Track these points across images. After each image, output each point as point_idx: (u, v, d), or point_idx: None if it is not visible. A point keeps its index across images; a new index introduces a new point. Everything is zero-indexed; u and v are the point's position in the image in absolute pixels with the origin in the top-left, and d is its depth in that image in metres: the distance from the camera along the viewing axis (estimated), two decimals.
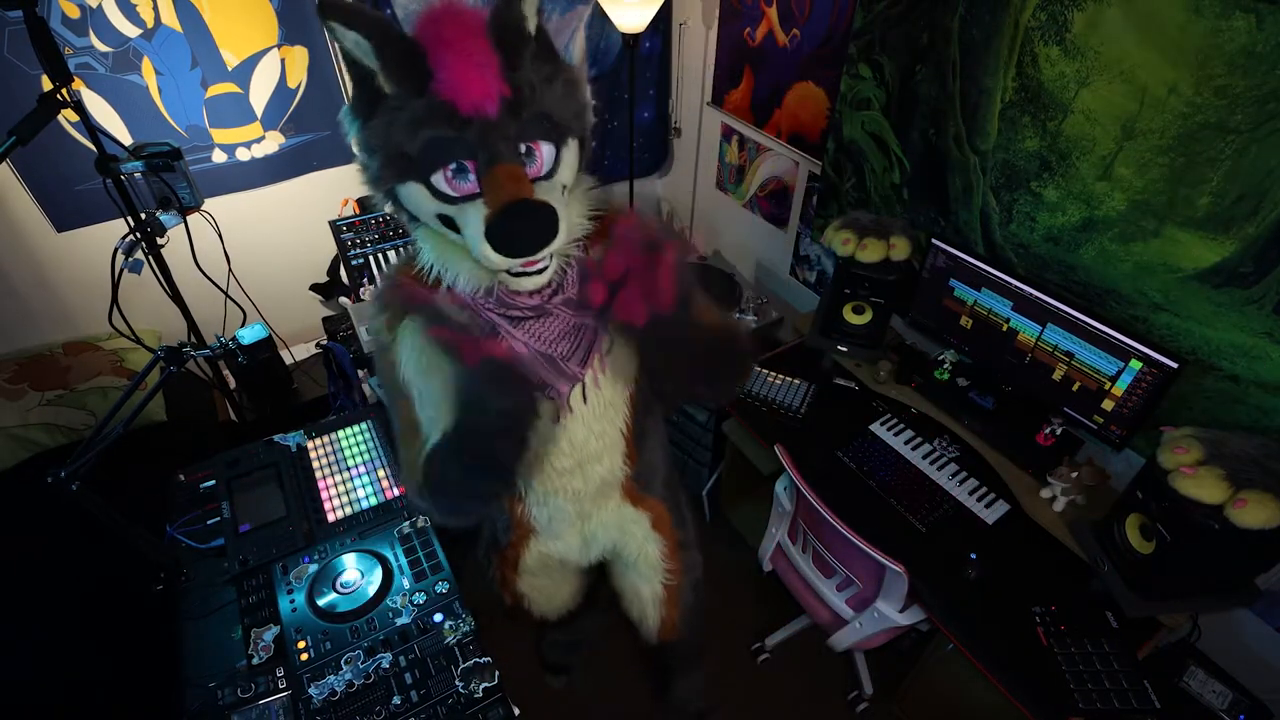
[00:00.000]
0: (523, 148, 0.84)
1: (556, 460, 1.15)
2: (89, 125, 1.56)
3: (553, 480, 1.18)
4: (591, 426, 1.13)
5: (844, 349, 2.03)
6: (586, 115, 0.93)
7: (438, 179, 0.84)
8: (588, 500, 1.26)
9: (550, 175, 0.88)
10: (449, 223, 0.88)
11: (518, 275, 0.91)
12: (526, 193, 0.82)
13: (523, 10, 0.80)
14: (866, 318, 1.97)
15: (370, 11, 0.77)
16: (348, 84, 2.27)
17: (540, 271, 0.92)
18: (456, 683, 1.25)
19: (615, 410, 1.16)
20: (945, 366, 1.93)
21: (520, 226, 0.82)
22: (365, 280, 2.26)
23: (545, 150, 0.86)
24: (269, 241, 2.41)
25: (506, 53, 0.79)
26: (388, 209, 0.96)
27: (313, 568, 1.42)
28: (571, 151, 0.91)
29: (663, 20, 2.60)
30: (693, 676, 1.88)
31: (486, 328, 1.00)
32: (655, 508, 1.39)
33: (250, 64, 2.09)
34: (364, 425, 1.75)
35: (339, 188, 2.42)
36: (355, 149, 0.90)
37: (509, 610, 1.58)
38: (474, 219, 0.84)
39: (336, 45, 0.80)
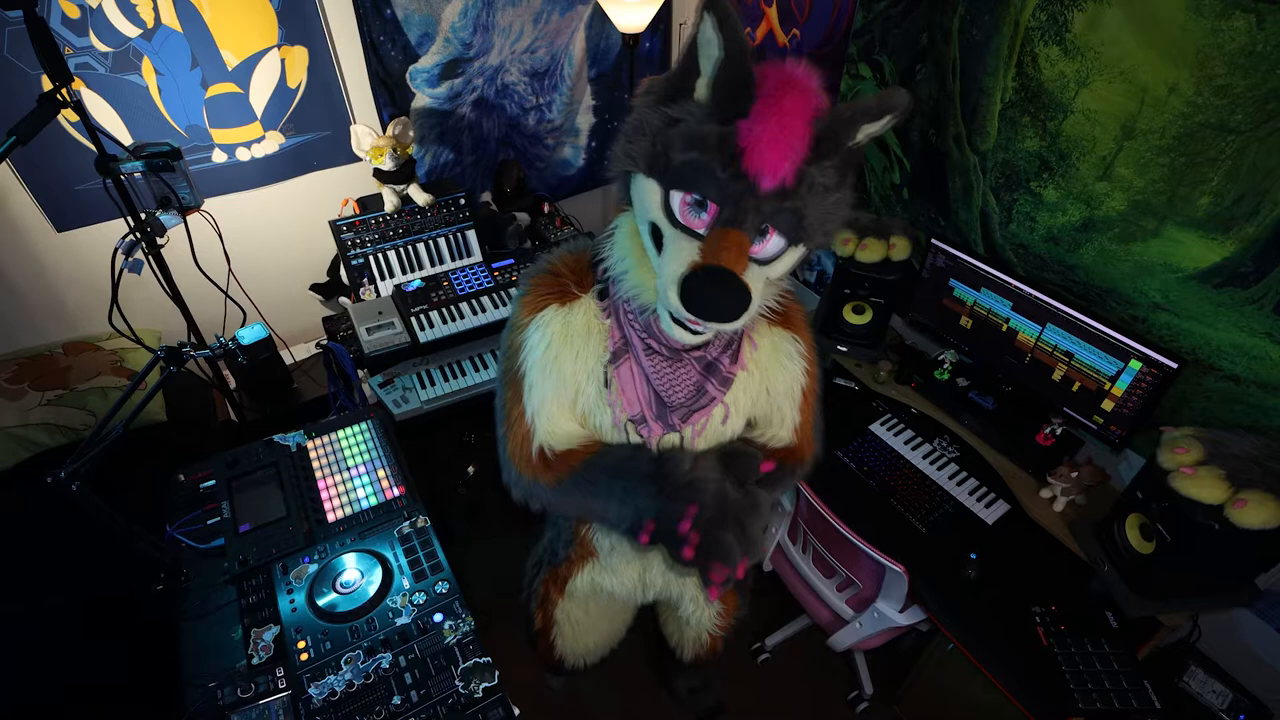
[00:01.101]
0: (765, 226, 0.83)
1: None
2: (89, 125, 1.56)
3: None
4: None
5: (844, 349, 2.03)
6: (833, 236, 0.92)
7: (676, 198, 0.83)
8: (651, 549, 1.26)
9: (766, 262, 0.87)
10: (656, 236, 0.88)
11: (679, 324, 0.91)
12: (739, 266, 0.81)
13: (854, 130, 0.81)
14: (866, 318, 1.97)
15: (740, 28, 0.76)
16: (348, 84, 2.28)
17: (699, 334, 0.92)
18: (456, 683, 1.25)
19: None
20: (945, 366, 1.93)
21: (716, 294, 0.82)
22: (365, 280, 2.26)
23: (776, 241, 0.85)
24: (269, 241, 2.41)
25: (817, 148, 0.79)
26: (613, 184, 0.96)
27: (313, 568, 1.42)
28: (796, 254, 0.90)
29: (663, 20, 2.60)
30: (709, 682, 1.91)
31: (620, 343, 1.01)
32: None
33: (250, 64, 2.09)
34: (364, 425, 1.74)
35: (339, 188, 2.42)
36: (630, 118, 0.88)
37: (532, 636, 1.58)
38: (681, 255, 0.84)
39: (696, 31, 0.79)
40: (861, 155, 0.88)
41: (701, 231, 0.83)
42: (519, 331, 1.04)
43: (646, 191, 0.86)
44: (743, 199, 0.80)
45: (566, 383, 1.03)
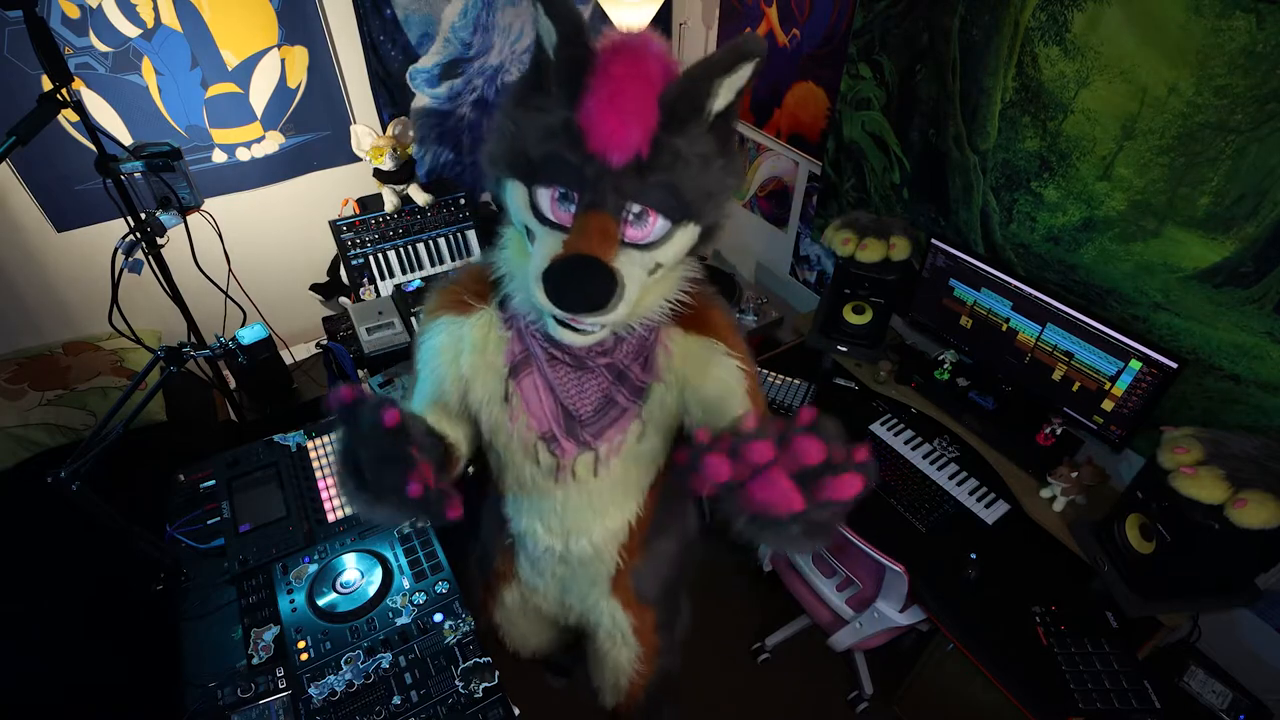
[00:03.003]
0: (637, 208, 0.79)
1: (543, 515, 1.10)
2: (89, 125, 1.56)
3: (534, 532, 1.14)
4: (592, 500, 1.08)
5: (844, 349, 2.03)
6: (724, 210, 0.87)
7: (542, 194, 0.80)
8: (565, 569, 1.20)
9: (650, 247, 0.82)
10: (531, 237, 0.85)
11: (560, 324, 0.86)
12: (603, 251, 0.77)
13: (715, 87, 0.75)
14: (866, 318, 1.97)
15: (574, 8, 0.73)
16: (348, 84, 2.28)
17: (584, 333, 0.87)
18: (456, 683, 1.24)
19: (626, 496, 1.10)
20: (945, 366, 1.93)
21: (575, 281, 0.77)
22: (365, 280, 2.26)
23: (658, 223, 0.80)
24: (269, 241, 2.41)
25: (671, 116, 0.75)
26: (489, 193, 0.95)
27: (313, 568, 1.42)
28: (686, 235, 0.84)
29: (662, 20, 2.60)
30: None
31: (521, 354, 0.97)
32: (644, 616, 1.31)
33: (250, 64, 2.09)
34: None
35: (339, 188, 2.42)
36: (498, 119, 0.85)
37: (484, 632, 1.55)
38: (545, 250, 0.80)
39: (535, 26, 0.77)
40: (736, 116, 0.82)
41: (569, 224, 0.80)
42: (418, 335, 1.03)
43: (514, 194, 0.84)
44: (599, 180, 0.76)
45: (448, 391, 1.00)
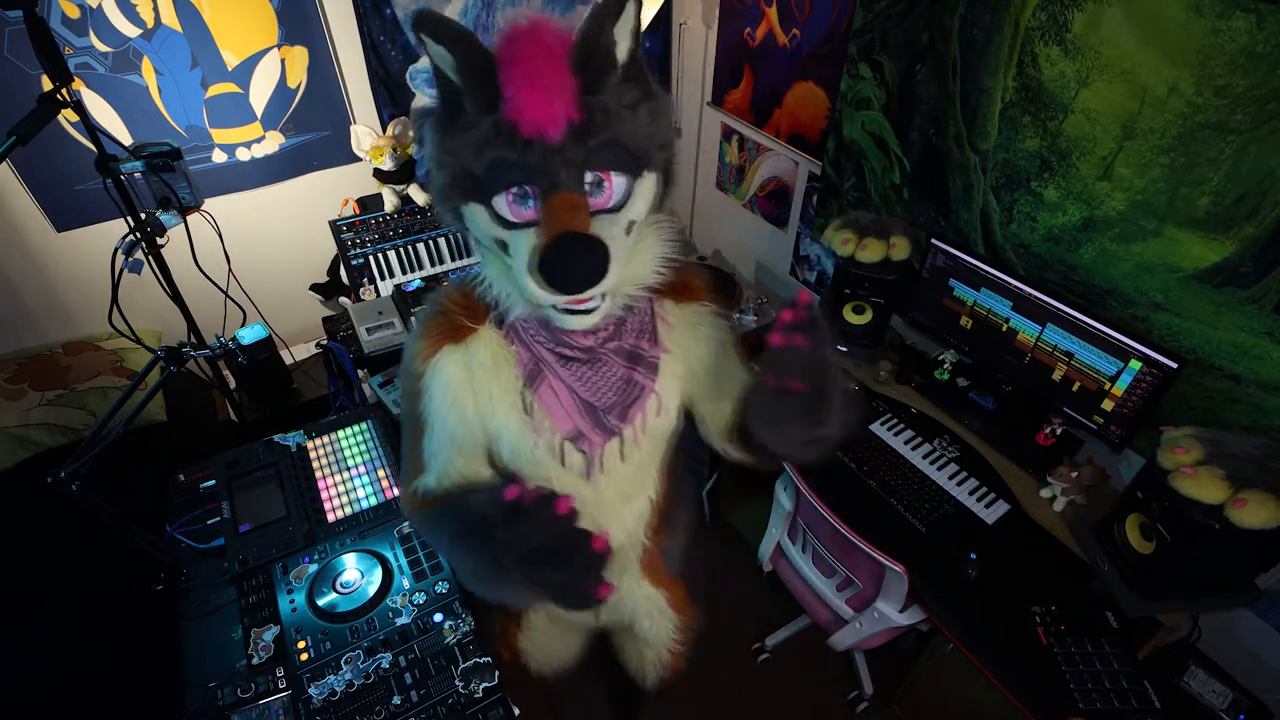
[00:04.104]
0: (591, 176, 0.79)
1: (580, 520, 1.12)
2: (89, 125, 1.56)
3: None
4: (620, 487, 1.08)
5: (844, 349, 2.03)
6: (672, 148, 0.87)
7: (500, 202, 0.80)
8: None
9: (618, 209, 0.82)
10: (506, 249, 0.85)
11: (565, 312, 0.86)
12: (580, 225, 0.77)
13: (613, 35, 0.76)
14: (866, 318, 1.97)
15: (458, 26, 0.74)
16: (348, 84, 2.28)
17: (589, 312, 0.86)
18: (456, 683, 1.25)
19: (647, 475, 1.12)
20: (945, 366, 1.93)
21: (567, 260, 0.77)
22: (365, 280, 2.26)
23: (617, 182, 0.81)
24: (269, 241, 2.42)
25: (587, 76, 0.75)
26: (452, 224, 0.92)
27: (313, 568, 1.42)
28: (648, 185, 0.85)
29: (663, 20, 2.60)
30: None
31: (532, 365, 0.96)
32: (675, 587, 1.35)
33: (250, 64, 2.10)
34: (364, 425, 1.74)
35: (339, 188, 2.42)
36: (427, 162, 0.86)
37: (505, 664, 1.54)
38: (524, 247, 0.80)
39: (429, 59, 0.77)
40: (642, 58, 0.83)
41: (536, 218, 0.80)
42: (417, 380, 0.98)
43: (476, 217, 0.83)
44: (546, 162, 0.76)
45: (470, 425, 0.98)
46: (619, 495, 1.09)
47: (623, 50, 0.78)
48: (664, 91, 0.86)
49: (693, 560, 1.40)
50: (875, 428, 1.86)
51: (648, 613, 1.36)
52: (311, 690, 1.22)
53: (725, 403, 1.06)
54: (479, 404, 0.97)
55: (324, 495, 1.57)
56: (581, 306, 0.85)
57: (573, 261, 0.78)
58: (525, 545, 0.78)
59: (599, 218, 0.81)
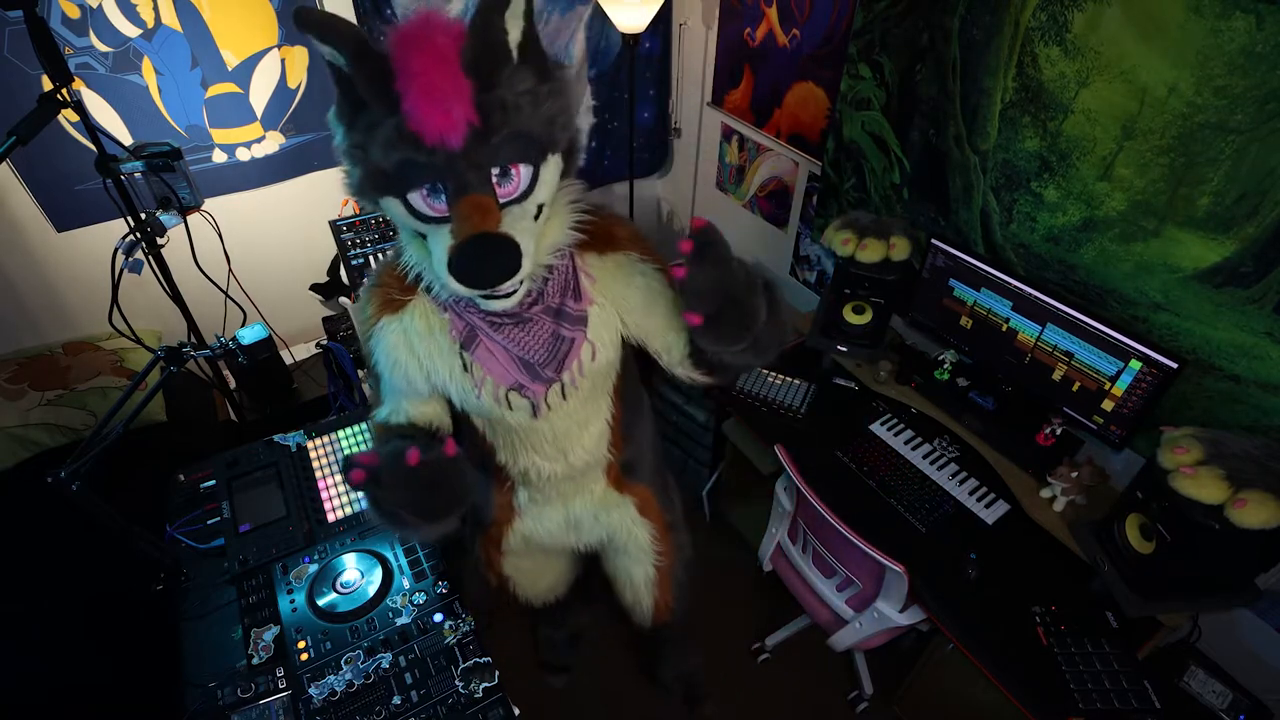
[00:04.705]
0: (497, 169, 0.82)
1: (539, 447, 1.17)
2: (89, 125, 1.56)
3: (535, 465, 1.20)
4: (574, 416, 1.15)
5: (844, 349, 2.03)
6: (573, 124, 0.91)
7: (415, 198, 0.83)
8: (570, 484, 1.28)
9: (525, 196, 0.86)
10: (424, 238, 0.89)
11: (485, 298, 0.91)
12: (490, 225, 0.81)
13: (503, 25, 0.77)
14: (866, 318, 1.97)
15: (345, 26, 0.75)
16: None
17: (508, 295, 0.92)
18: (456, 683, 1.25)
19: (598, 401, 1.18)
20: (945, 366, 1.93)
21: (479, 262, 0.82)
22: (365, 280, 2.26)
23: (523, 171, 0.84)
24: (269, 241, 2.41)
25: (481, 75, 0.76)
26: (374, 211, 0.99)
27: (313, 568, 1.42)
28: (552, 168, 0.88)
29: (663, 20, 2.60)
30: (688, 659, 1.90)
31: (465, 329, 1.02)
32: (641, 493, 1.40)
33: (250, 64, 2.09)
34: (364, 425, 1.74)
35: (339, 188, 2.40)
36: (337, 154, 0.88)
37: (495, 591, 1.58)
38: (440, 244, 0.84)
39: (322, 55, 0.80)
40: (537, 39, 0.84)
41: (450, 214, 0.83)
42: (366, 342, 1.09)
43: (393, 209, 0.87)
44: (452, 165, 0.78)
45: (415, 381, 1.07)
46: (573, 424, 1.16)
47: (515, 35, 0.79)
48: (560, 64, 0.88)
49: (659, 470, 1.46)
50: (875, 428, 1.87)
51: (621, 522, 1.40)
52: (311, 690, 1.22)
53: (673, 334, 1.10)
54: (422, 363, 1.05)
55: (324, 495, 1.57)
56: (501, 293, 0.90)
57: (485, 263, 0.82)
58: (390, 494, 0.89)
59: (509, 210, 0.85)
